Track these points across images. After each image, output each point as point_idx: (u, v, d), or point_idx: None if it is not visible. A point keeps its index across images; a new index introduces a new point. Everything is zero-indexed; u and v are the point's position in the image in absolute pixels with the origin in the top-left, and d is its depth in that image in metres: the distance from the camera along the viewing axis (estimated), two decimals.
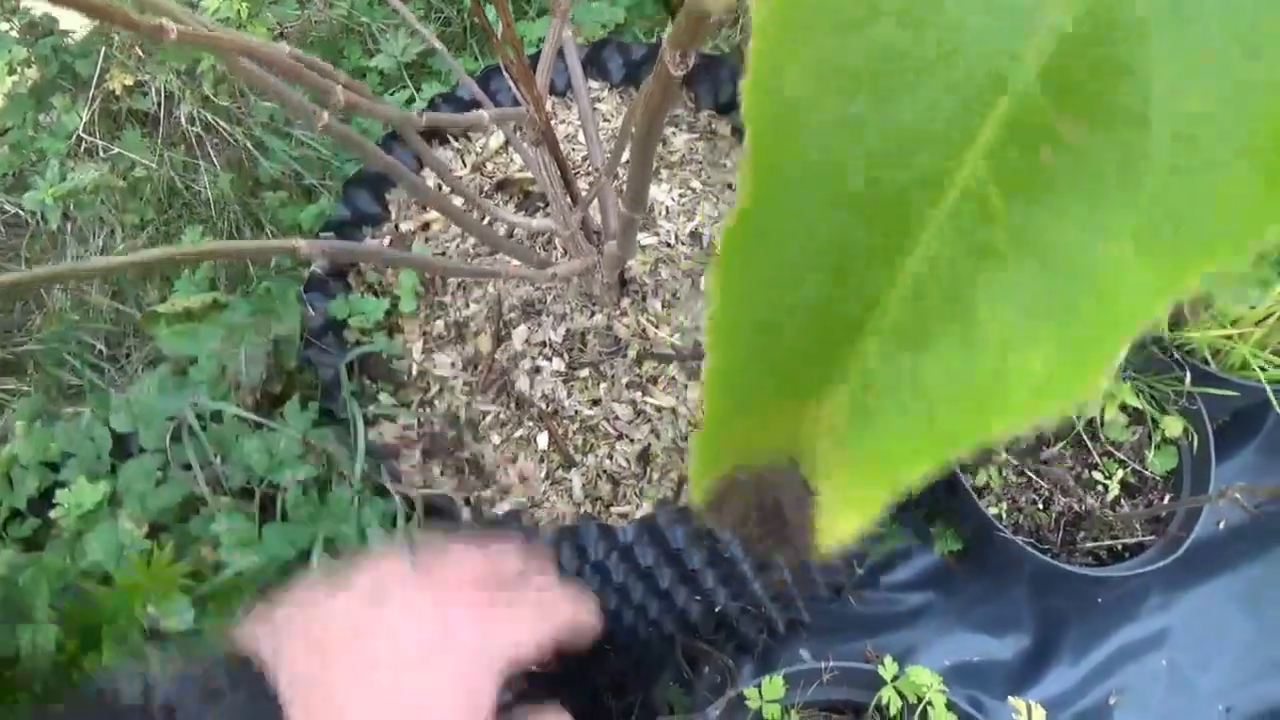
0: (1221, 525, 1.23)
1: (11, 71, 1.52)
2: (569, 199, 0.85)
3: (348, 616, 0.54)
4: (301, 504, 0.80)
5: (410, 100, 1.41)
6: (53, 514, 0.80)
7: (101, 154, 1.53)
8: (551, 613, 0.60)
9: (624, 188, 0.57)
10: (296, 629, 0.52)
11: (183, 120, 1.56)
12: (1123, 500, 1.05)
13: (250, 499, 0.84)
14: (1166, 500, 1.04)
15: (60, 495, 0.81)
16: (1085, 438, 1.07)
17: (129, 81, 1.58)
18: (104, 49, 1.57)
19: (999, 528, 1.01)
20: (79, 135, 1.54)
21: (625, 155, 0.67)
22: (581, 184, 0.99)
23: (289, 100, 0.59)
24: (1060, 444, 1.08)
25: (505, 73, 0.78)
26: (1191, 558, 0.99)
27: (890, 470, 0.17)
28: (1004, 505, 1.06)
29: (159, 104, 1.57)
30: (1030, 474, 1.08)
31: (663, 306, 0.92)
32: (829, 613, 1.22)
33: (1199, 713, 1.12)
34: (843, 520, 0.18)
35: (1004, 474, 1.07)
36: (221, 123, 1.55)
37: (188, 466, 0.85)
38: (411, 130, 0.66)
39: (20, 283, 0.44)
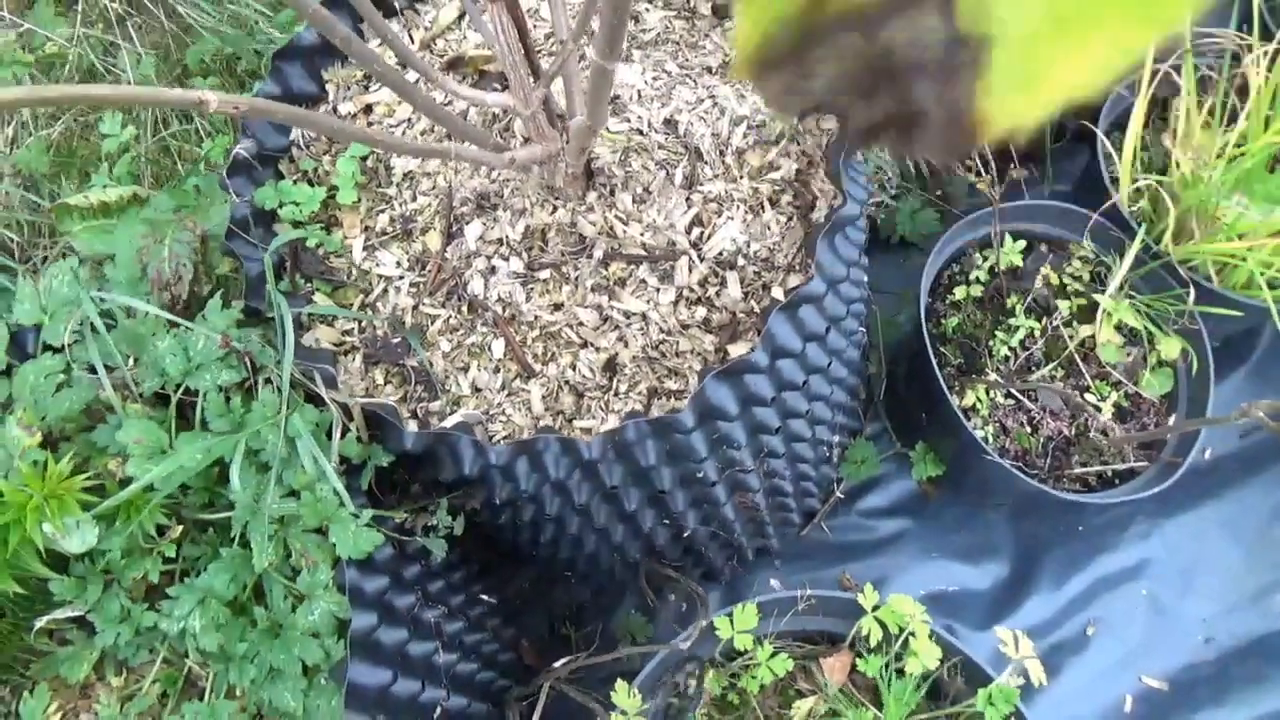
0: (1208, 454, 1.18)
1: None
2: (530, 74, 0.75)
3: None
4: (222, 411, 0.71)
5: None
6: None
7: (9, 26, 1.37)
8: None
9: (593, 34, 0.47)
10: None
11: None
12: (1114, 425, 0.99)
13: (164, 406, 0.74)
14: (1170, 421, 0.98)
15: None
16: (1078, 359, 1.01)
17: None
18: None
19: (986, 450, 0.95)
20: None
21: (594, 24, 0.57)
22: (544, 64, 0.88)
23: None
24: (1051, 365, 1.02)
25: None
26: (1175, 486, 0.94)
27: None
28: (991, 428, 1.00)
29: None
30: (1019, 396, 1.01)
31: (633, 201, 0.82)
32: (798, 540, 1.16)
33: (1178, 643, 1.09)
34: (1030, 91, 0.10)
35: (992, 395, 1.00)
36: (147, 2, 1.40)
37: (93, 370, 0.75)
38: None
39: None
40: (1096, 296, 0.99)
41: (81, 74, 1.41)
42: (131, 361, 0.77)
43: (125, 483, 0.71)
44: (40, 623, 0.70)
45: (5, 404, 0.73)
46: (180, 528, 0.71)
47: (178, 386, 0.74)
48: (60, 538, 0.65)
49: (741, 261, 0.79)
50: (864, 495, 1.17)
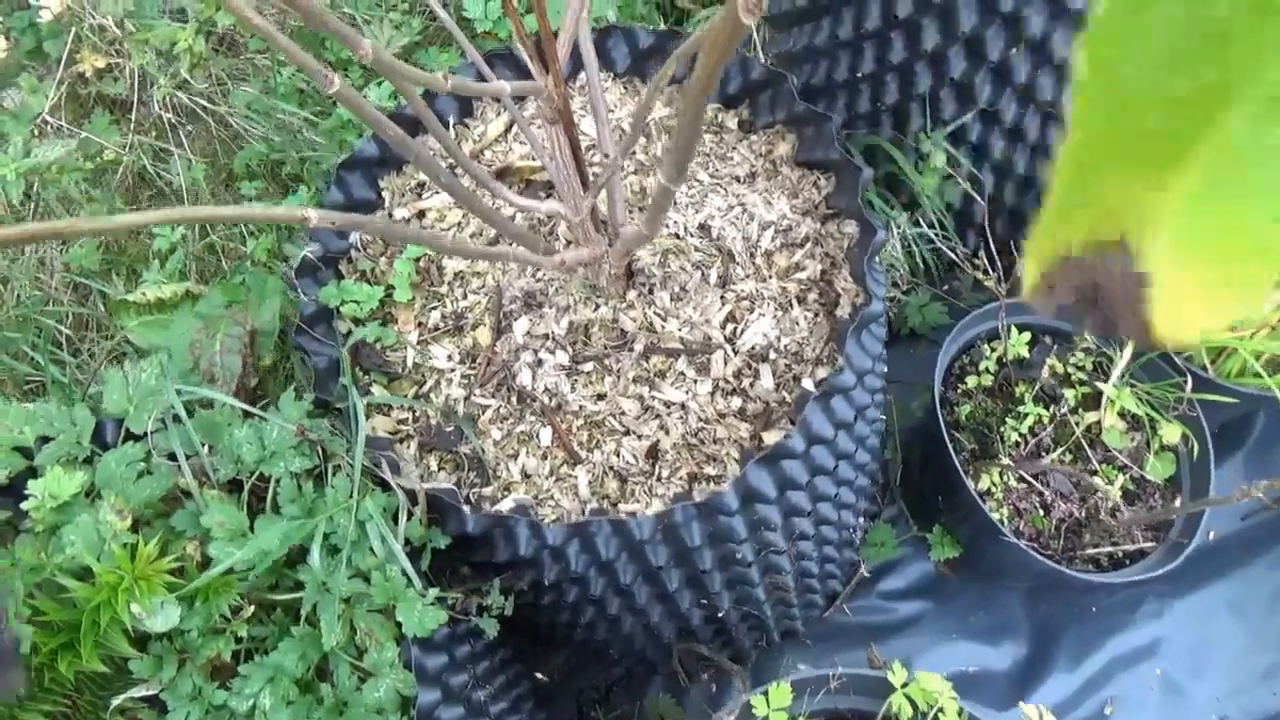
0: (1211, 536, 1.23)
1: None
2: (580, 184, 0.82)
3: None
4: (294, 497, 0.76)
5: (394, 95, 1.37)
6: (25, 505, 0.75)
7: (69, 136, 1.46)
8: None
9: (660, 156, 0.54)
10: None
11: (155, 106, 1.50)
12: (1122, 506, 1.04)
13: (237, 492, 0.79)
14: (1176, 504, 1.03)
15: (33, 485, 0.75)
16: (1085, 444, 1.07)
17: (100, 64, 1.52)
18: (75, 29, 1.51)
19: (1003, 532, 1.00)
20: (44, 118, 1.47)
21: (637, 141, 0.64)
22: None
23: (301, 59, 0.56)
24: (1060, 449, 1.07)
25: (520, 44, 0.75)
26: (1182, 567, 0.98)
27: (1243, 239, 0.15)
28: (1005, 511, 1.05)
29: (132, 87, 1.51)
30: (1031, 480, 1.07)
31: (671, 299, 0.89)
32: (821, 621, 1.20)
33: None
34: (1187, 311, 0.16)
35: (1005, 479, 1.06)
36: (198, 108, 1.50)
37: (172, 457, 0.80)
38: (421, 103, 0.63)
39: (6, 239, 0.40)
40: (1100, 385, 1.05)
41: (134, 179, 1.50)
42: (206, 449, 0.82)
43: (203, 565, 0.75)
44: (116, 701, 0.73)
45: (89, 491, 0.78)
46: (251, 608, 0.75)
47: (251, 473, 0.79)
48: (146, 617, 0.69)
49: (773, 355, 0.86)
50: (883, 577, 1.21)
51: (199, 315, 1.16)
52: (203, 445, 0.81)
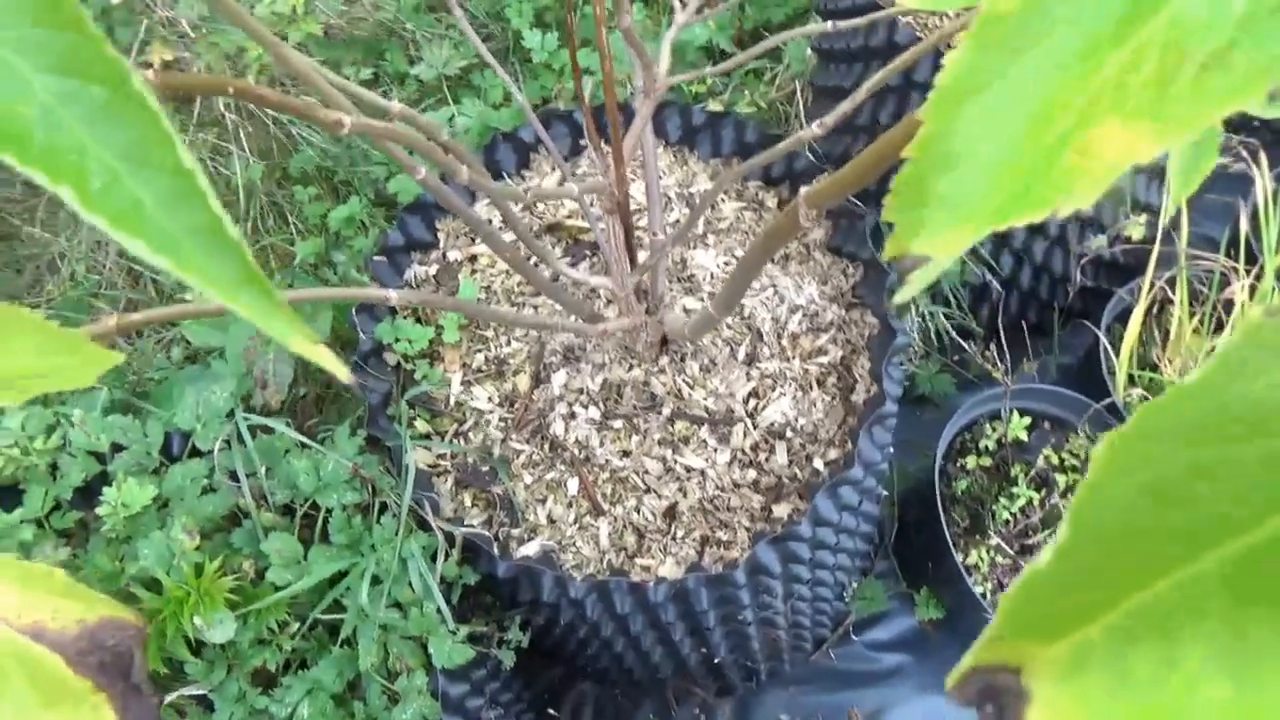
0: None
1: None
2: (628, 262, 0.89)
3: None
4: (344, 528, 0.83)
5: (451, 118, 1.44)
6: (99, 510, 0.82)
7: None
8: None
9: (714, 292, 0.61)
10: None
11: (218, 104, 1.57)
12: None
13: (290, 516, 0.87)
14: None
15: (107, 493, 0.82)
16: None
17: (168, 56, 1.59)
18: (146, 21, 1.57)
19: (984, 608, 1.07)
20: None
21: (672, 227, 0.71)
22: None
23: (399, 156, 0.63)
24: (1048, 531, 1.14)
25: (589, 139, 0.81)
26: None
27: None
28: (990, 585, 1.12)
29: None
30: (1016, 556, 1.14)
31: (700, 370, 0.96)
32: (808, 664, 1.27)
33: None
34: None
35: (993, 556, 1.13)
36: (259, 111, 1.56)
37: (233, 476, 0.88)
38: (484, 177, 0.70)
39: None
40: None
41: None
42: (265, 470, 0.89)
43: (255, 581, 0.83)
44: (170, 697, 0.81)
45: (157, 500, 0.86)
46: (298, 624, 0.83)
47: (305, 500, 0.87)
48: (206, 629, 0.77)
49: (789, 434, 0.93)
50: (869, 628, 1.29)
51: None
52: (262, 466, 0.89)
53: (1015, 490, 1.15)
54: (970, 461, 1.17)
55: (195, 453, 0.90)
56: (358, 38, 1.68)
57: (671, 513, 0.92)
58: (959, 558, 1.11)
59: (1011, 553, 1.14)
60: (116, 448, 0.89)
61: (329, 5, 1.65)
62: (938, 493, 1.12)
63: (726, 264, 1.02)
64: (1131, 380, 1.20)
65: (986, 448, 1.18)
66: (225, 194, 1.58)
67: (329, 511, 0.84)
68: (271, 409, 1.09)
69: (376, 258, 1.02)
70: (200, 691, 0.81)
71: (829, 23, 0.66)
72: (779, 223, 0.50)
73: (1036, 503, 1.15)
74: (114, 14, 1.62)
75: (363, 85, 1.58)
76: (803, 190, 0.47)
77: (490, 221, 1.08)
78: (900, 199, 0.23)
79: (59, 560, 0.76)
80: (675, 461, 0.93)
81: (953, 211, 0.22)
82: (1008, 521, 1.15)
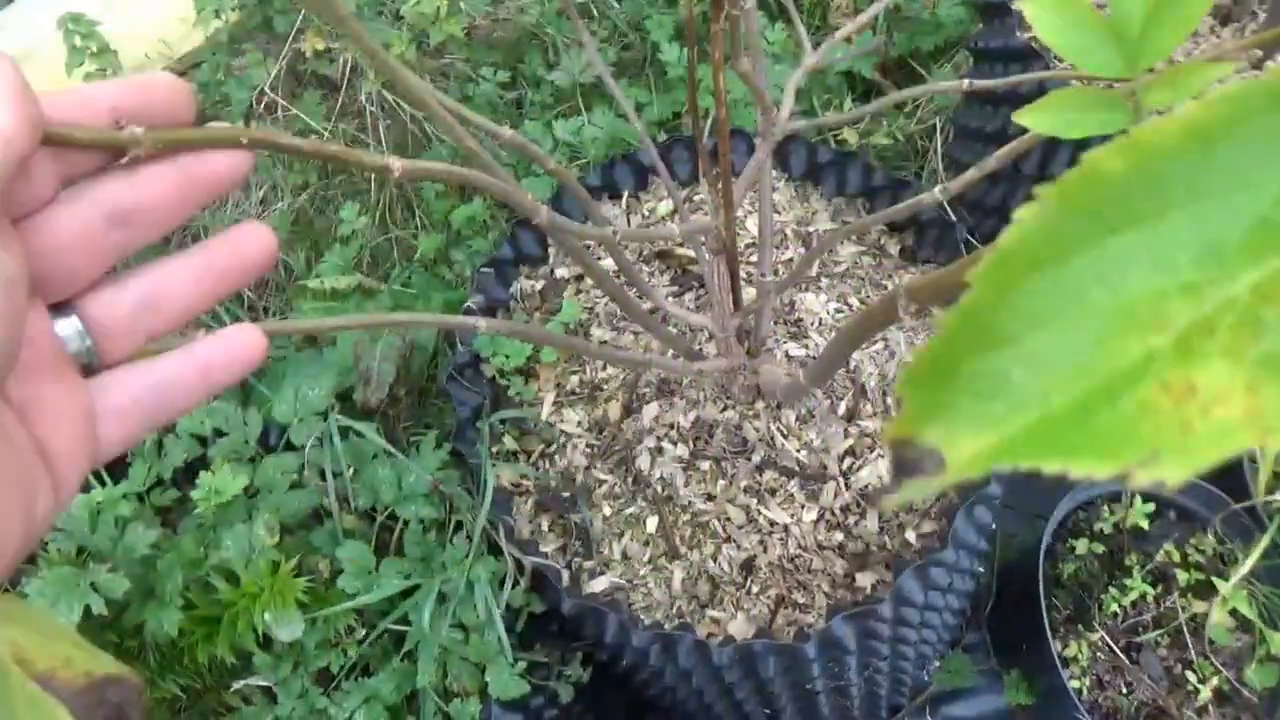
0: None
1: (218, 15, 1.59)
2: (732, 304, 0.86)
3: None
4: (419, 541, 0.83)
5: (580, 128, 1.43)
6: (194, 493, 0.85)
7: (280, 113, 1.59)
8: None
9: (809, 362, 0.57)
10: None
11: (361, 95, 1.61)
12: (1211, 708, 1.02)
13: (370, 522, 0.88)
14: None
15: (203, 477, 0.85)
16: (1187, 632, 1.04)
17: (320, 45, 1.64)
18: (303, 11, 1.63)
19: (1078, 706, 0.99)
20: (263, 89, 1.60)
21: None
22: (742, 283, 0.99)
23: (513, 196, 0.62)
24: (1159, 631, 1.05)
25: (704, 180, 0.79)
26: None
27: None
28: (1087, 680, 1.04)
29: (343, 74, 1.63)
30: (1120, 653, 1.05)
31: (796, 420, 0.92)
32: None
33: None
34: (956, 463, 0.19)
35: (1094, 651, 1.05)
36: (397, 105, 1.60)
37: (321, 474, 0.89)
38: (588, 204, 0.68)
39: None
40: (1215, 579, 1.02)
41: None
42: (351, 472, 0.91)
43: (328, 583, 0.84)
44: (237, 685, 0.83)
45: (248, 489, 0.88)
46: (364, 631, 0.84)
47: (385, 508, 0.87)
48: (275, 627, 0.78)
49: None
50: (952, 701, 1.22)
51: (368, 313, 1.25)
52: (349, 468, 0.90)
53: (1128, 582, 1.06)
54: (1081, 546, 1.09)
55: (289, 446, 0.92)
56: (498, 40, 1.70)
57: (749, 566, 0.88)
58: (1057, 646, 1.04)
59: (1116, 649, 1.05)
60: (218, 433, 0.92)
61: (474, 6, 1.68)
62: (1041, 574, 1.05)
63: (838, 311, 0.97)
64: (1278, 478, 1.09)
65: (1101, 531, 1.09)
66: (360, 181, 1.63)
67: (405, 523, 0.85)
68: (370, 407, 1.11)
69: (483, 269, 1.02)
70: (265, 683, 0.83)
71: (965, 81, 0.61)
72: (876, 310, 0.46)
73: (1151, 599, 1.06)
74: (274, 3, 1.69)
75: (500, 88, 1.60)
76: (905, 280, 0.43)
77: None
78: (919, 371, 0.19)
79: (149, 542, 0.78)
80: (760, 512, 0.90)
81: (979, 405, 0.18)
82: (1115, 614, 1.06)
